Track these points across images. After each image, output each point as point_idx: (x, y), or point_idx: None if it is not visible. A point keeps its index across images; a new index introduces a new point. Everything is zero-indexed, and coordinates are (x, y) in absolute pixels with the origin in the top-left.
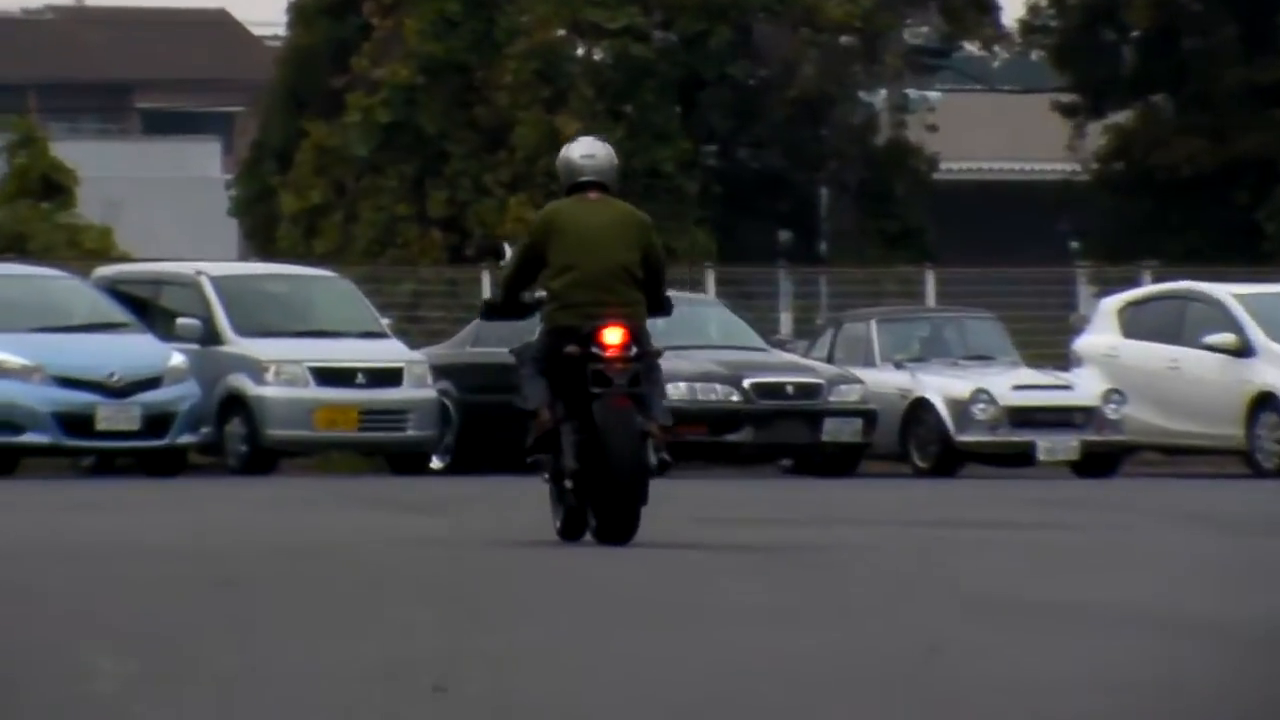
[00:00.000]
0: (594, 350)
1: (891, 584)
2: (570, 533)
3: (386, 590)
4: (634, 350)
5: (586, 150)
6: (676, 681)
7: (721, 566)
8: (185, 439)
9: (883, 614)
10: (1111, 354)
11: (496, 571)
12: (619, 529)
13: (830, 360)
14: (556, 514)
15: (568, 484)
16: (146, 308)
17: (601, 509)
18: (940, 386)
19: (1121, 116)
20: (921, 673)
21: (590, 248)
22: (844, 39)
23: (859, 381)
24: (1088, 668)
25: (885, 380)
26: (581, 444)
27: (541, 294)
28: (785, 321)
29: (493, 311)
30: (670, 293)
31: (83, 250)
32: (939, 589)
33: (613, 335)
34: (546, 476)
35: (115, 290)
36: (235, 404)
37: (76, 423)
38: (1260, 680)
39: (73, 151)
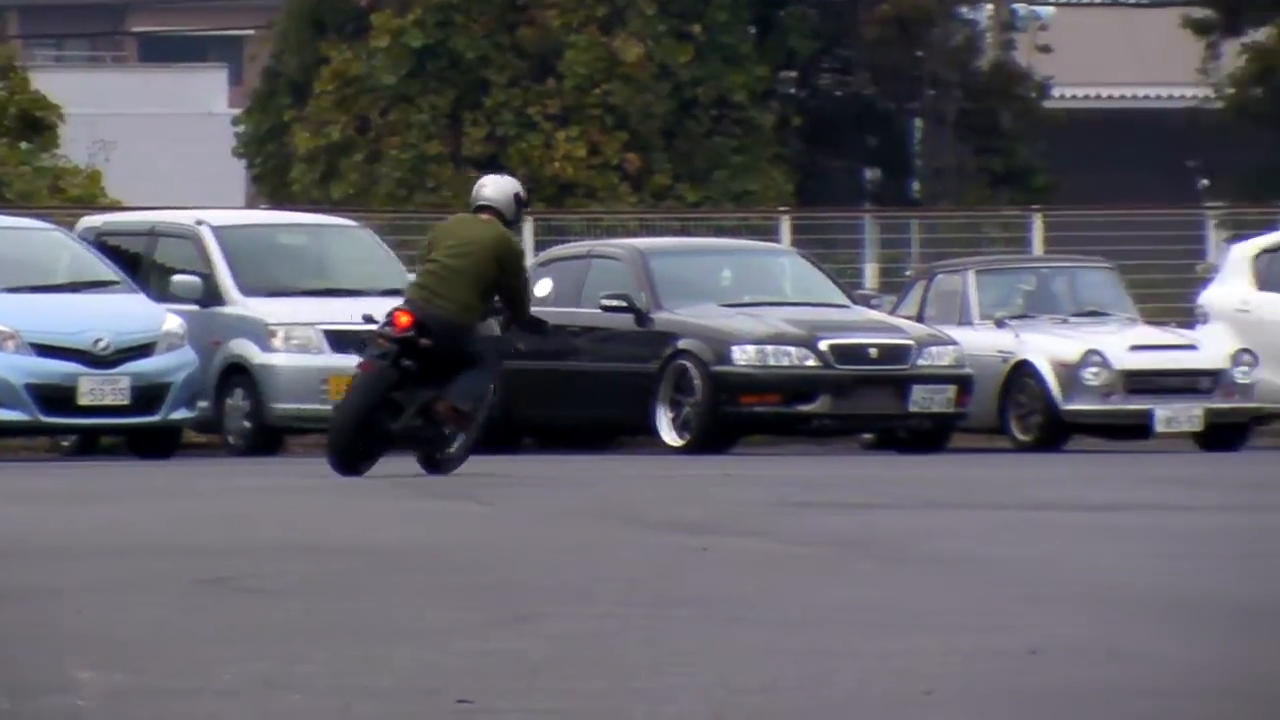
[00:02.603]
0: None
1: (988, 577)
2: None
3: (407, 587)
4: (413, 334)
5: (485, 181)
6: (750, 687)
7: (796, 559)
8: (180, 415)
9: (978, 613)
10: (1243, 309)
11: (534, 561)
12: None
13: (920, 318)
14: None
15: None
16: (139, 263)
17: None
18: (1046, 348)
19: (1261, 34)
20: (1019, 678)
21: (454, 251)
22: None
23: (953, 343)
24: (1219, 671)
25: (983, 341)
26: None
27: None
28: (870, 273)
29: None
30: (740, 241)
31: (67, 197)
32: (1042, 582)
33: (401, 318)
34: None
35: (103, 243)
36: (238, 374)
37: (56, 397)
38: None
39: (57, 83)
